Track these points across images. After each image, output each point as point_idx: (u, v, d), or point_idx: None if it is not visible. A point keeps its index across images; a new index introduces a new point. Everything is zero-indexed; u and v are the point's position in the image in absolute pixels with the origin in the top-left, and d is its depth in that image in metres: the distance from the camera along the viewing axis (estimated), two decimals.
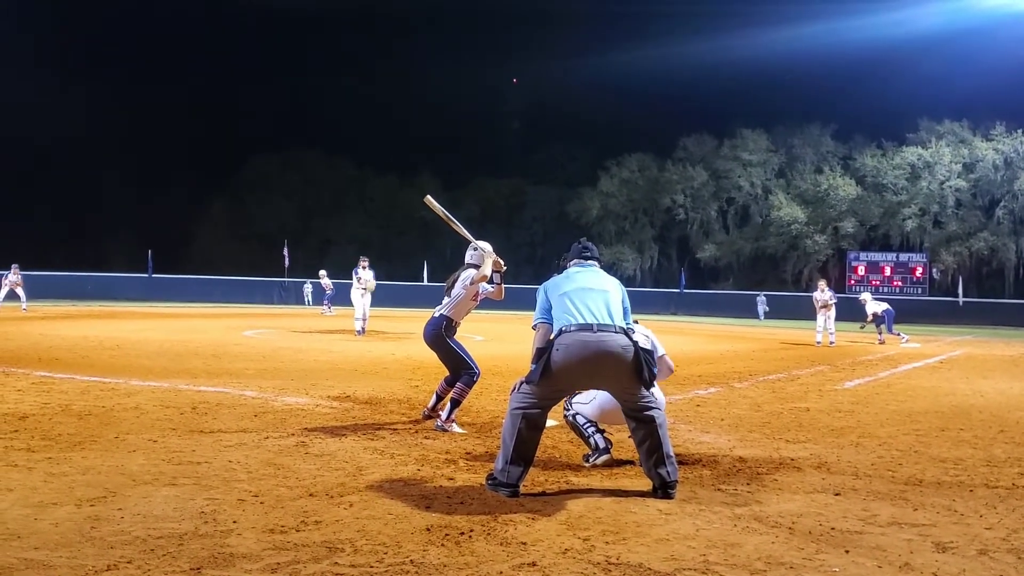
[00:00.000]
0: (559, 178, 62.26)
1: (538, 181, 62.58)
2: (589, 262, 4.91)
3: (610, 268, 51.29)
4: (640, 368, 4.41)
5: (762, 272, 56.03)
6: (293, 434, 5.86)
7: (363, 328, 17.09)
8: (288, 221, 61.36)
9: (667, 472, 4.38)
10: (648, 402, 4.48)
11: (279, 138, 65.75)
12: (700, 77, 57.39)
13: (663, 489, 4.36)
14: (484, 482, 4.51)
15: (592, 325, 4.40)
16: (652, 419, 4.44)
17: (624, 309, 4.68)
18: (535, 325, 4.71)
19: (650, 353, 4.63)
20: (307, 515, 3.83)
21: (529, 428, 4.42)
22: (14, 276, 24.44)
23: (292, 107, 70.66)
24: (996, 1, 44.85)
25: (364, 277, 17.51)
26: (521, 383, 4.54)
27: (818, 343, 18.88)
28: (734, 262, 57.49)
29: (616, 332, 4.43)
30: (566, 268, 5.00)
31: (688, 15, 55.94)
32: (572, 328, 4.42)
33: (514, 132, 65.95)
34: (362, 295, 17.32)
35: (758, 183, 57.50)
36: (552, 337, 4.50)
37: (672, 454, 4.47)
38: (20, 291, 24.34)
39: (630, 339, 4.47)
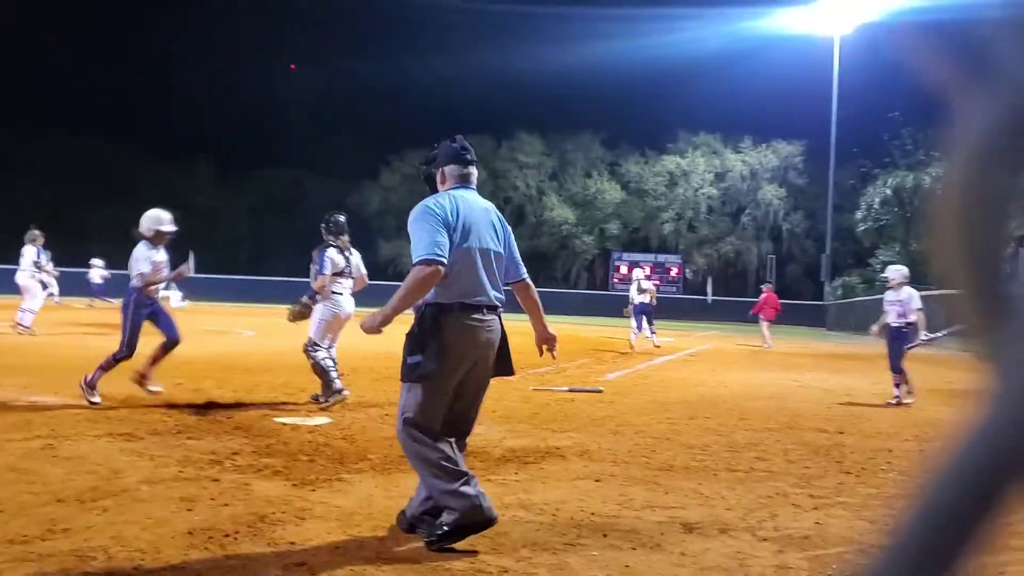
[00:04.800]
0: (342, 171, 61.33)
1: (321, 173, 61.39)
2: (471, 179, 4.02)
3: (389, 262, 51.30)
4: (504, 356, 3.85)
5: (534, 270, 58.01)
6: (39, 436, 5.37)
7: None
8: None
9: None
10: (473, 423, 3.91)
11: None
12: (481, 83, 58.77)
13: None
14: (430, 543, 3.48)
15: (483, 307, 3.68)
16: (465, 444, 3.87)
17: (514, 260, 4.13)
18: (426, 260, 3.50)
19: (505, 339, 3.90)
20: (54, 523, 3.52)
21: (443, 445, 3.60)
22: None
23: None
24: (754, 31, 48.91)
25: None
26: (410, 409, 3.59)
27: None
28: None
29: (497, 316, 3.81)
30: (444, 182, 4.04)
31: (469, 26, 57.22)
32: (464, 306, 3.62)
33: (297, 124, 63.93)
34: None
35: (533, 184, 59.66)
36: (436, 313, 3.59)
37: None
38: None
39: (501, 322, 3.85)
